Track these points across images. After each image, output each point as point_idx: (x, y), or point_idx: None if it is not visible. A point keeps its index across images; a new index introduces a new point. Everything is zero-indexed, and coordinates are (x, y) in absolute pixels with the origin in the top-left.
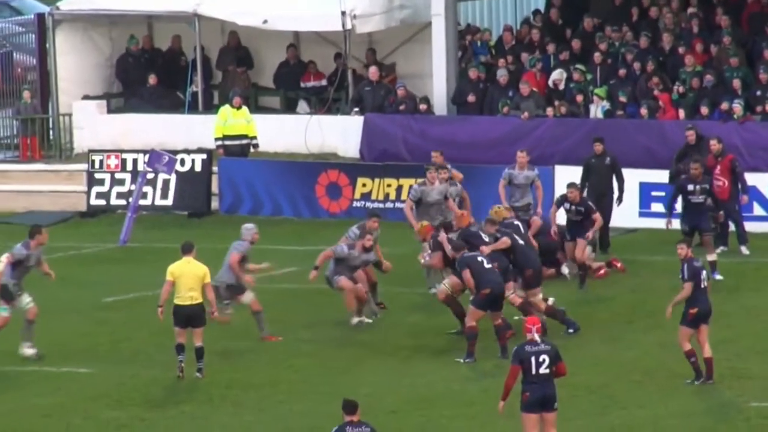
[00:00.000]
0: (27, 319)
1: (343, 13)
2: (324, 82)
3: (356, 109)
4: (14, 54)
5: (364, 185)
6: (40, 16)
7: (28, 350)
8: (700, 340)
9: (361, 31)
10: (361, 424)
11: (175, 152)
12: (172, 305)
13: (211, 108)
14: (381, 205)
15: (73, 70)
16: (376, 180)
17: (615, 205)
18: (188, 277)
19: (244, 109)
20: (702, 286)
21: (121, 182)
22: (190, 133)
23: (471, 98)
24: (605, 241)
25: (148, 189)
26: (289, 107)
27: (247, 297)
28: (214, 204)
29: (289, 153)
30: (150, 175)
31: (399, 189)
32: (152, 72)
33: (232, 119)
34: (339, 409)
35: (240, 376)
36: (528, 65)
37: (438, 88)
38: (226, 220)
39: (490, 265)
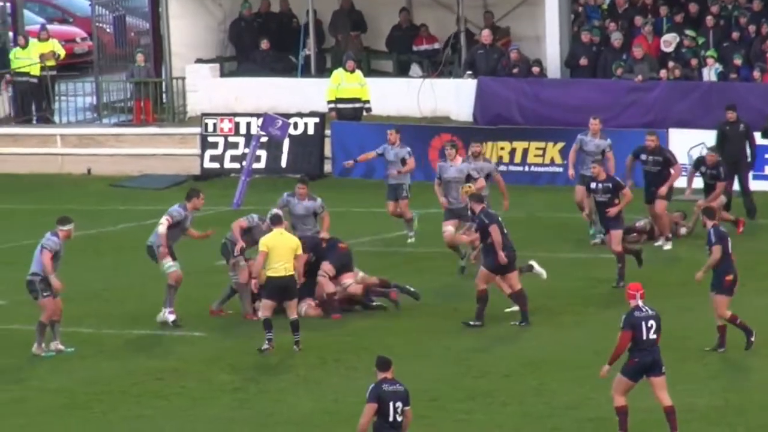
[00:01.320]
0: (168, 284)
1: None
2: (437, 46)
3: (469, 73)
4: (127, 17)
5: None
6: None
7: (169, 315)
8: None
9: None
10: (395, 381)
11: (288, 116)
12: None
13: (323, 72)
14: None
15: (185, 34)
16: (489, 143)
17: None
18: (281, 248)
19: (358, 72)
20: None
21: (235, 146)
22: (302, 96)
23: (583, 61)
24: (750, 206)
25: (261, 152)
26: (402, 71)
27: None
28: (327, 167)
29: (401, 116)
30: (263, 139)
31: (512, 152)
32: (265, 36)
33: (345, 83)
34: (449, 373)
35: (351, 339)
36: (641, 27)
37: (551, 51)
38: (338, 183)
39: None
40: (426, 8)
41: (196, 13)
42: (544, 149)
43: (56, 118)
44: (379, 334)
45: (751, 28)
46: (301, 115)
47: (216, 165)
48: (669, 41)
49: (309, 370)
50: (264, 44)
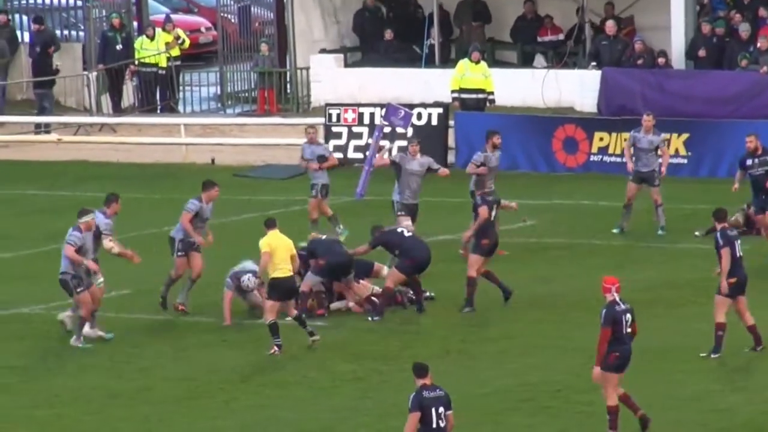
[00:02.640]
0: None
1: None
2: (561, 37)
3: (593, 64)
4: (252, 8)
5: (601, 139)
6: None
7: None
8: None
9: None
10: (435, 387)
11: (412, 106)
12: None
13: (448, 62)
14: (617, 160)
15: (309, 24)
16: (614, 134)
17: None
18: (283, 249)
19: (482, 63)
20: None
21: (358, 136)
22: (426, 87)
23: (701, 53)
24: None
25: (384, 142)
26: (526, 62)
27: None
28: (450, 158)
29: (525, 107)
30: (387, 129)
31: (664, 140)
32: (388, 27)
33: (470, 73)
34: (575, 362)
35: (474, 329)
36: (767, 20)
37: (676, 42)
38: (461, 174)
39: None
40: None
41: (320, 3)
42: (669, 141)
43: (180, 108)
44: (504, 323)
45: None
46: (425, 105)
47: (339, 155)
48: None
49: (431, 360)
50: (388, 34)
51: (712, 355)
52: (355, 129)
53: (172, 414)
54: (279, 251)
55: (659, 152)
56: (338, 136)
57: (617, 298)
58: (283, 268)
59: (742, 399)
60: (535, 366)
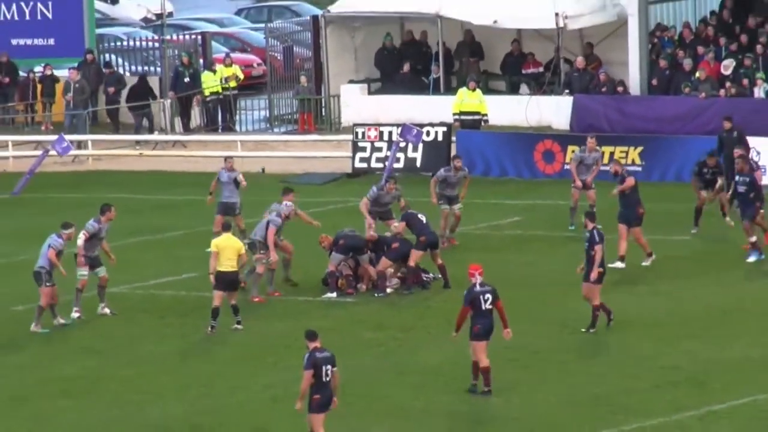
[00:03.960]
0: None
1: (557, 14)
2: (541, 69)
3: (567, 91)
4: (294, 47)
5: (572, 151)
6: (315, 18)
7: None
8: None
9: (572, 28)
10: (324, 349)
11: (422, 125)
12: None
13: (449, 90)
14: None
15: (339, 60)
16: (582, 147)
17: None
18: (229, 249)
19: (478, 91)
20: None
21: (379, 149)
22: (433, 110)
23: (654, 82)
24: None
25: (400, 155)
26: (513, 90)
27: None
28: None
29: (512, 126)
30: (402, 144)
31: (601, 155)
32: (405, 61)
33: (467, 99)
34: (552, 329)
35: None
36: (705, 56)
37: (633, 74)
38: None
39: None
40: (532, 39)
41: (348, 43)
42: (627, 152)
43: (237, 128)
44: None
45: None
46: (432, 125)
47: (364, 165)
48: (727, 66)
49: (439, 329)
50: (406, 67)
51: (591, 330)
52: (377, 144)
53: (231, 373)
54: (225, 251)
55: (597, 165)
56: (363, 149)
57: (478, 282)
58: (226, 264)
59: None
60: (518, 332)
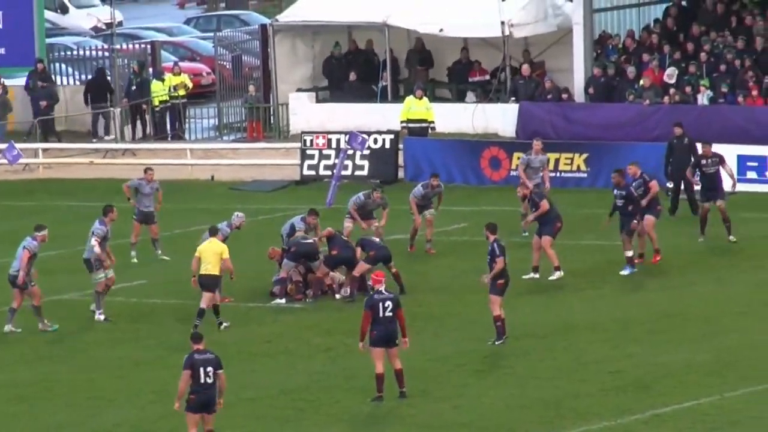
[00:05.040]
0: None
1: (503, 23)
2: (487, 77)
3: (513, 98)
4: (243, 56)
5: (518, 158)
6: (263, 27)
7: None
8: None
9: (518, 36)
10: (206, 351)
11: (369, 133)
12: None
13: (397, 98)
14: None
15: (288, 69)
16: (529, 151)
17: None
18: (209, 253)
19: (425, 99)
20: None
21: (327, 157)
22: (381, 118)
23: (591, 90)
24: (694, 204)
25: (348, 162)
26: (460, 97)
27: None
28: (400, 174)
29: (459, 133)
30: (349, 152)
31: (548, 158)
32: (353, 70)
33: (415, 107)
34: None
35: (422, 309)
36: (649, 63)
37: (577, 81)
38: (409, 186)
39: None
40: (479, 47)
41: (297, 52)
42: (572, 159)
43: (187, 136)
44: (445, 305)
45: (737, 62)
46: (379, 132)
47: (313, 172)
48: (671, 74)
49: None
50: (352, 76)
51: (497, 342)
52: (325, 152)
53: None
54: (205, 254)
55: (545, 168)
56: (311, 157)
57: (382, 289)
58: (207, 267)
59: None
60: (470, 337)
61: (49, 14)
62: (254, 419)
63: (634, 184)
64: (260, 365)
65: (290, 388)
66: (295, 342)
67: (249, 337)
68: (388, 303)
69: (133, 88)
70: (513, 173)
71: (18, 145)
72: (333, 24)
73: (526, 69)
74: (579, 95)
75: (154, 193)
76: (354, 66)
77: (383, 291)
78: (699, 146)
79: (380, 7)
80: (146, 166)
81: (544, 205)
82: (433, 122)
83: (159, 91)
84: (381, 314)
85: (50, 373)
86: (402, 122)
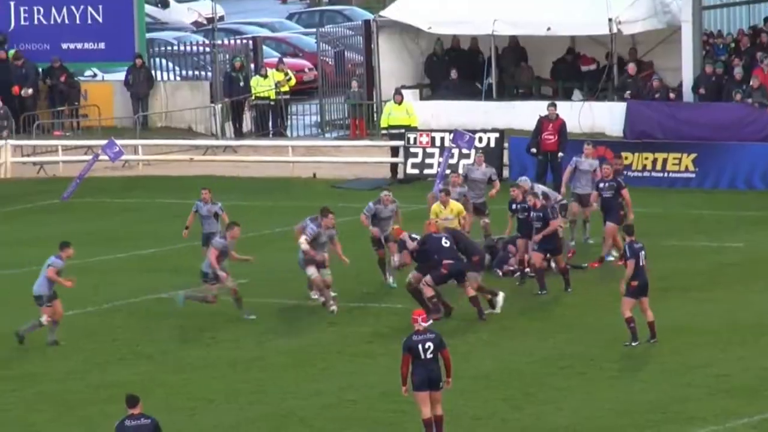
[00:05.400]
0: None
1: (611, 20)
2: (594, 67)
3: (628, 93)
4: (345, 52)
5: (626, 158)
6: (366, 22)
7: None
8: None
9: (626, 34)
10: (140, 416)
11: (474, 131)
12: None
13: (503, 96)
14: (639, 174)
15: (391, 65)
16: (636, 154)
17: None
18: None
19: (405, 103)
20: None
21: (431, 155)
22: (486, 116)
23: (701, 90)
24: None
25: (453, 161)
26: (566, 95)
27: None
28: (506, 173)
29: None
30: (454, 150)
31: (654, 161)
32: (454, 67)
33: (395, 113)
34: (604, 339)
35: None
36: (760, 62)
37: (686, 80)
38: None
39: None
40: (586, 44)
41: (401, 49)
42: (680, 159)
43: (288, 133)
44: (552, 307)
45: None
46: (484, 131)
47: (416, 171)
48: None
49: (491, 334)
50: (453, 74)
51: (633, 344)
52: (429, 150)
53: (281, 379)
54: None
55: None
56: (415, 155)
57: (421, 329)
58: None
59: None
60: (570, 340)
61: (149, 9)
62: (355, 421)
63: (605, 185)
64: (361, 366)
65: (391, 391)
66: (397, 343)
67: (350, 337)
68: (429, 344)
69: (241, 83)
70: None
71: (118, 142)
72: (437, 23)
73: (632, 68)
74: (687, 94)
75: (213, 216)
76: (456, 63)
77: (424, 331)
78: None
79: (485, 6)
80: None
81: (554, 224)
82: (415, 127)
83: (261, 87)
84: (422, 356)
85: (146, 373)
86: (383, 129)
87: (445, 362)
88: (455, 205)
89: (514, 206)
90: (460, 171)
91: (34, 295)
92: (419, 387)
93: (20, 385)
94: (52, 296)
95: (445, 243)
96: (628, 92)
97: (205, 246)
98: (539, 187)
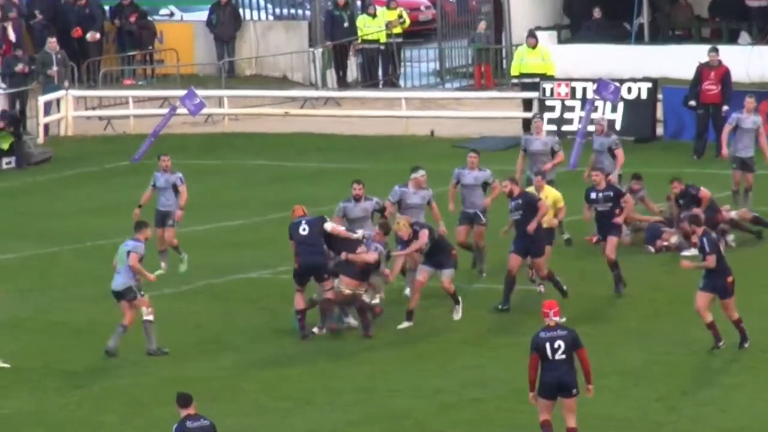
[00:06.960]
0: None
1: None
2: (765, 3)
3: None
4: None
5: None
6: None
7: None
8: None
9: None
10: (199, 417)
11: (622, 81)
12: None
13: (656, 40)
14: None
15: (524, 3)
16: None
17: None
18: None
19: (540, 47)
20: None
21: (571, 109)
22: (636, 63)
23: None
24: None
25: (595, 116)
26: (731, 38)
27: None
28: (659, 130)
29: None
30: (597, 103)
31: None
32: (596, 5)
33: (527, 58)
34: None
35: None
36: None
37: None
38: (669, 146)
39: None
40: None
41: None
42: None
43: (401, 83)
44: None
45: None
46: (634, 80)
47: (553, 127)
48: None
49: (641, 321)
50: (596, 13)
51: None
52: (568, 103)
53: (397, 372)
54: None
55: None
56: (552, 109)
57: (552, 323)
58: None
59: None
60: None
61: None
62: (482, 422)
63: (599, 196)
64: (488, 360)
65: (521, 388)
66: (528, 334)
67: (475, 327)
68: (559, 343)
69: (345, 24)
70: None
71: (199, 92)
72: None
73: None
74: None
75: (171, 187)
76: (599, 0)
77: (555, 326)
78: None
79: None
80: (164, 156)
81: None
82: (552, 76)
83: (369, 28)
84: (550, 357)
85: (231, 368)
86: (513, 78)
87: (582, 365)
88: (551, 192)
89: (593, 195)
90: (729, 121)
91: (117, 291)
92: (545, 393)
93: (86, 381)
94: (140, 287)
95: None
96: None
97: (160, 227)
98: None
